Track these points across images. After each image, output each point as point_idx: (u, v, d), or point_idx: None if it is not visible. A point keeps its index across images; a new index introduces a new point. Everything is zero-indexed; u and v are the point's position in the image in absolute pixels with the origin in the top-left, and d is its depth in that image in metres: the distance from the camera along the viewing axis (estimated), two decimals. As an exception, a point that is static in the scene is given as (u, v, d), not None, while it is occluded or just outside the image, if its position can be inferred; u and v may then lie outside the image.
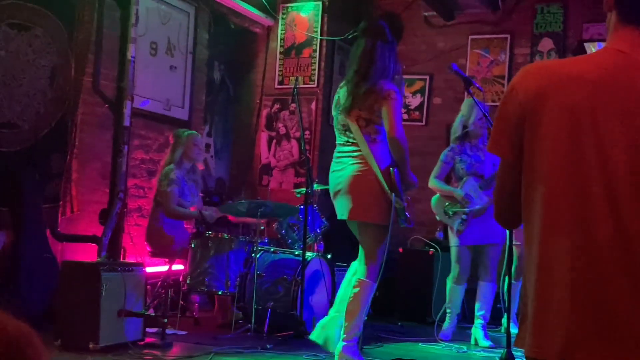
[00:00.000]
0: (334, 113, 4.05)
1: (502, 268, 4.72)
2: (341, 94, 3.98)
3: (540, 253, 1.47)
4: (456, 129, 5.26)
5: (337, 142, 4.02)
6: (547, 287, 1.46)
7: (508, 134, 1.55)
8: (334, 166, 3.99)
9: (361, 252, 3.92)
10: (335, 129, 4.05)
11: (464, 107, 5.28)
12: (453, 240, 5.21)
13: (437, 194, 5.30)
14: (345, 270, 5.56)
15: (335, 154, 4.01)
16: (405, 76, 7.65)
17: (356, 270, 3.92)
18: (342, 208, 3.88)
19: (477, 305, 5.23)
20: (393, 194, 3.75)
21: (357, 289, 3.83)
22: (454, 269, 5.22)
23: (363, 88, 3.85)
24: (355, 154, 3.87)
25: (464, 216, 5.12)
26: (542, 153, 1.49)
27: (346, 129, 3.92)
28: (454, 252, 5.21)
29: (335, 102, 4.05)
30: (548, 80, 1.51)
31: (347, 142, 3.92)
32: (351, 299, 3.84)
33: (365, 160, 3.83)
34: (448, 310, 5.31)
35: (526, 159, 1.53)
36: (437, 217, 5.34)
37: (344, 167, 3.90)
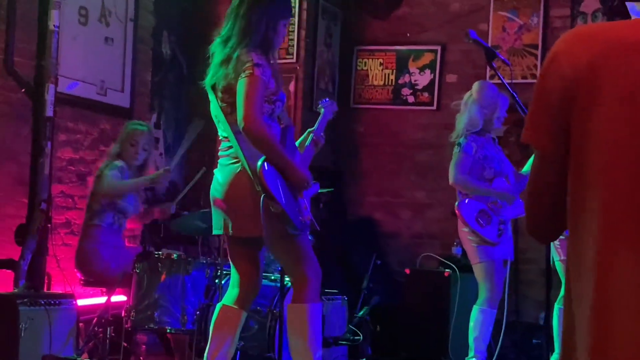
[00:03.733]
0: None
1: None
2: None
3: (598, 278, 1.42)
4: (475, 121, 5.25)
5: None
6: (606, 328, 1.41)
7: (548, 118, 1.52)
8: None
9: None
10: None
11: (482, 94, 5.27)
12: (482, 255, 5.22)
13: (464, 198, 5.25)
14: (337, 298, 5.54)
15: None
16: (409, 47, 7.71)
17: None
18: (216, 221, 3.90)
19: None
20: (263, 197, 3.66)
21: (290, 317, 3.95)
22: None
23: (217, 59, 3.81)
24: (230, 151, 3.84)
25: (502, 226, 5.20)
26: (597, 145, 1.46)
27: (219, 119, 3.89)
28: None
29: None
30: (603, 48, 1.48)
31: (222, 136, 3.90)
32: (290, 334, 3.92)
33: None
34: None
35: (574, 153, 1.50)
36: (464, 229, 5.27)
37: (221, 170, 3.89)
